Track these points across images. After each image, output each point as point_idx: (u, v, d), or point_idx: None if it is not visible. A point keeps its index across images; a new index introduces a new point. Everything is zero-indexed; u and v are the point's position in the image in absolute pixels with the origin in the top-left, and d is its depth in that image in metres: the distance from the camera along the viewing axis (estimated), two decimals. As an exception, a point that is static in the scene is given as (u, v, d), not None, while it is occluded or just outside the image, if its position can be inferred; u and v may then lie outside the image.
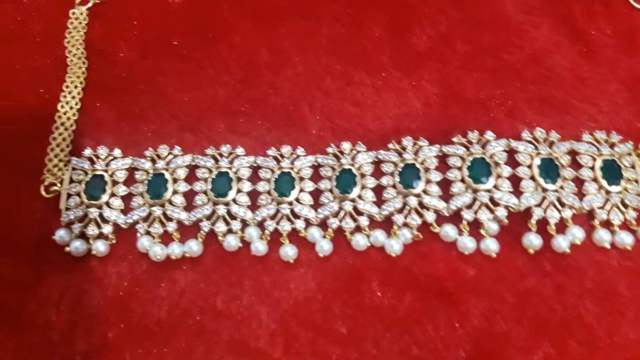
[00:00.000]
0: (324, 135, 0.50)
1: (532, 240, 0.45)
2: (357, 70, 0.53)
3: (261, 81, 0.53)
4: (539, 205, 0.45)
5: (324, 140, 0.50)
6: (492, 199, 0.46)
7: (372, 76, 0.52)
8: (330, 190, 0.47)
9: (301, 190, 0.47)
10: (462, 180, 0.46)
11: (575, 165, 0.47)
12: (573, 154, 0.47)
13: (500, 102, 0.50)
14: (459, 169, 0.47)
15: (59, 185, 0.49)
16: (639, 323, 0.43)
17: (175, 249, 0.46)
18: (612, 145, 0.47)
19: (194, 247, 0.47)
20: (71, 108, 0.52)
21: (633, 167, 0.46)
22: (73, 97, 0.52)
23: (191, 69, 0.53)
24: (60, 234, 0.47)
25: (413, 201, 0.46)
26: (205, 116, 0.51)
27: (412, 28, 0.54)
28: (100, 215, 0.48)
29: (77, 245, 0.47)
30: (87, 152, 0.50)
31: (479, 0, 0.55)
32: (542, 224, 0.45)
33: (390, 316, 0.45)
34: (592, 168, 0.46)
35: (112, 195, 0.48)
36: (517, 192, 0.46)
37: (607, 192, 0.46)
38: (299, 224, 0.47)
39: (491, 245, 0.45)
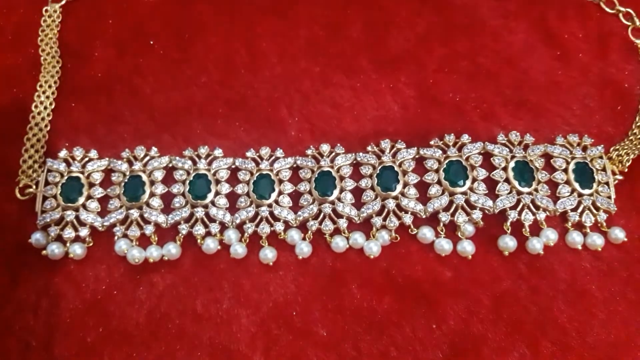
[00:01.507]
0: (302, 137, 0.50)
1: (507, 243, 0.45)
2: (335, 73, 0.53)
3: (239, 82, 0.52)
4: (513, 207, 0.46)
5: (303, 142, 0.50)
6: (468, 202, 0.46)
7: (350, 78, 0.52)
8: (310, 193, 0.47)
9: (280, 193, 0.47)
10: (439, 183, 0.47)
11: (549, 168, 0.48)
12: (547, 157, 0.48)
13: (476, 105, 0.51)
14: (436, 171, 0.47)
15: (34, 187, 0.48)
16: (610, 323, 0.44)
17: (154, 252, 0.46)
18: (584, 149, 0.48)
19: (172, 250, 0.46)
20: (45, 108, 0.51)
21: (604, 170, 0.47)
22: (47, 97, 0.51)
23: (168, 69, 0.53)
24: (37, 237, 0.47)
25: (391, 203, 0.46)
26: (183, 117, 0.51)
27: (390, 31, 0.54)
28: (77, 218, 0.47)
29: (54, 249, 0.46)
30: (63, 153, 0.49)
31: (456, 4, 0.55)
32: (517, 226, 0.46)
33: (369, 318, 0.45)
34: (566, 171, 0.47)
35: (89, 197, 0.48)
36: (493, 194, 0.46)
37: (580, 195, 0.47)
38: (279, 227, 0.47)
39: (467, 247, 0.45)
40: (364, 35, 0.54)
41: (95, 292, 0.46)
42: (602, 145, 0.48)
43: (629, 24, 0.54)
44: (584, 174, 0.47)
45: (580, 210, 0.47)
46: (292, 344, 0.44)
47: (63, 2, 0.56)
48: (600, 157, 0.48)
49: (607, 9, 0.55)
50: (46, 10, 0.55)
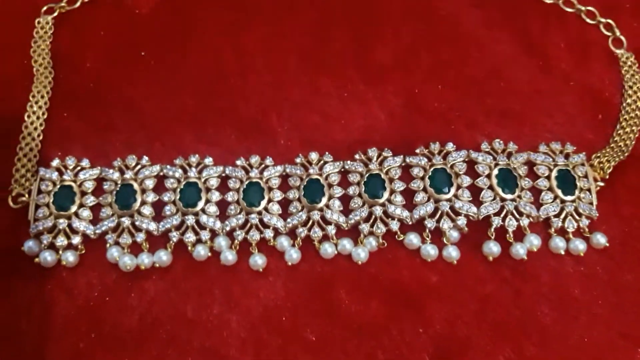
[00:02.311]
0: (291, 145, 0.51)
1: (492, 248, 0.46)
2: (323, 82, 0.54)
3: (229, 91, 0.53)
4: (497, 214, 0.47)
5: (292, 150, 0.50)
6: (452, 208, 0.47)
7: (338, 88, 0.53)
8: (299, 200, 0.48)
9: (270, 200, 0.48)
10: (425, 190, 0.48)
11: (532, 175, 0.49)
12: (530, 164, 0.49)
13: (461, 114, 0.52)
14: (422, 179, 0.48)
15: (26, 196, 0.48)
16: (592, 326, 0.45)
17: (145, 259, 0.47)
18: (566, 156, 0.49)
19: (163, 257, 0.47)
20: (38, 118, 0.51)
21: (586, 177, 0.48)
22: (40, 107, 0.52)
23: (159, 78, 0.54)
24: (29, 245, 0.47)
25: (378, 210, 0.47)
26: (174, 126, 0.52)
27: (377, 41, 0.55)
28: (69, 226, 0.48)
29: (46, 256, 0.47)
30: (55, 162, 0.49)
31: (441, 15, 0.56)
32: (501, 232, 0.47)
33: (357, 322, 0.46)
34: (548, 178, 0.48)
35: (81, 205, 0.48)
36: (477, 201, 0.47)
37: (562, 201, 0.48)
38: (268, 234, 0.47)
39: (452, 253, 0.46)
40: (352, 46, 0.55)
41: (87, 298, 0.47)
42: (584, 153, 0.49)
43: (609, 34, 0.55)
44: (566, 181, 0.48)
45: (562, 216, 0.47)
46: (281, 348, 0.45)
47: (55, 14, 0.56)
48: (582, 165, 0.49)
49: (588, 20, 0.56)
50: (38, 22, 0.55)
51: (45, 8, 0.56)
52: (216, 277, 0.47)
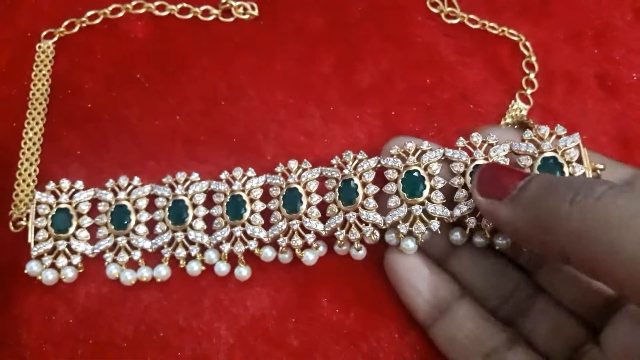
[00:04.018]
0: (277, 162, 0.51)
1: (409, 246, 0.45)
2: (307, 104, 0.55)
3: (219, 112, 0.55)
4: (473, 214, 0.45)
5: (277, 166, 0.52)
6: (425, 212, 0.45)
7: (321, 109, 0.55)
8: (279, 210, 0.47)
9: (252, 212, 0.48)
10: (397, 194, 0.45)
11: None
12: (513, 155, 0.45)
13: (435, 134, 0.53)
14: (395, 181, 0.46)
15: (24, 220, 0.50)
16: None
17: (145, 273, 0.49)
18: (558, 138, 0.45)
19: (162, 271, 0.49)
20: (34, 143, 0.53)
21: (580, 160, 0.44)
22: (40, 129, 0.53)
23: (153, 100, 0.55)
24: (31, 267, 0.48)
25: (352, 217, 0.46)
26: (167, 144, 0.53)
27: (357, 67, 0.56)
28: (69, 247, 0.49)
29: (48, 274, 0.48)
30: (51, 185, 0.50)
31: (416, 42, 0.58)
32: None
33: (338, 329, 0.48)
34: (532, 168, 0.44)
35: (78, 227, 0.49)
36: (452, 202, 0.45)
37: None
38: (252, 245, 0.48)
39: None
40: (334, 71, 0.57)
41: (85, 307, 0.49)
42: (577, 133, 0.45)
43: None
44: (552, 170, 0.44)
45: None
46: (267, 354, 0.47)
47: (55, 39, 0.57)
48: (576, 147, 0.44)
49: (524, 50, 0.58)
50: (39, 47, 0.56)
51: (45, 33, 0.57)
52: (206, 288, 0.49)
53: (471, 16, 0.59)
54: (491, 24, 0.58)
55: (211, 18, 0.59)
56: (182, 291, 0.49)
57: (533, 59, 0.57)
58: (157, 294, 0.49)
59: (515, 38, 0.58)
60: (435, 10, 0.59)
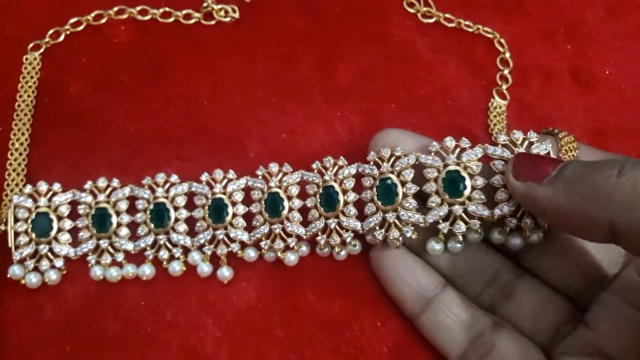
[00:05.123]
0: (260, 159, 0.53)
1: (434, 247, 0.47)
2: (289, 103, 0.56)
3: (203, 113, 0.56)
4: (446, 219, 0.45)
5: (261, 162, 0.52)
6: (399, 218, 0.46)
7: (302, 108, 0.56)
8: (260, 213, 0.48)
9: (234, 215, 0.48)
10: (373, 201, 0.46)
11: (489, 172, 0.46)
12: (486, 159, 0.46)
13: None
14: (370, 188, 0.46)
15: (2, 225, 0.49)
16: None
17: (130, 270, 0.49)
18: (530, 145, 0.46)
19: (147, 270, 0.49)
20: (25, 149, 0.53)
21: None
22: (26, 139, 0.54)
23: (138, 102, 0.56)
24: (14, 270, 0.48)
25: (333, 223, 0.47)
26: (151, 145, 0.54)
27: (337, 66, 0.58)
28: (51, 250, 0.49)
29: (32, 278, 0.48)
30: (28, 189, 0.49)
31: (394, 41, 0.59)
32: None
33: (322, 320, 0.49)
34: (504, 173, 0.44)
35: (59, 230, 0.49)
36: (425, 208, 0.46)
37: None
38: (235, 247, 0.48)
39: None
40: (315, 70, 0.58)
41: (73, 305, 0.49)
42: (567, 132, 0.46)
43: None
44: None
45: (519, 214, 0.45)
46: (254, 346, 0.48)
47: (42, 50, 0.58)
48: (546, 149, 0.45)
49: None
50: (26, 59, 0.57)
51: (31, 45, 0.57)
52: (192, 284, 0.50)
53: (447, 15, 0.60)
54: (466, 22, 0.60)
55: (193, 21, 0.60)
56: (168, 287, 0.50)
57: (507, 55, 0.59)
58: (143, 290, 0.50)
59: (490, 35, 0.59)
60: (412, 11, 0.61)
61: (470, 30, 0.60)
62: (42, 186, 0.50)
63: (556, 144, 0.46)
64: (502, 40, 0.59)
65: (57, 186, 0.50)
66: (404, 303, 0.47)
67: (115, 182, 0.50)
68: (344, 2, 0.61)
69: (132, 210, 0.50)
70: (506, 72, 0.58)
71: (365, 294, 0.50)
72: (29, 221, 0.48)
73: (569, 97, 0.58)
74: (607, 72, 0.59)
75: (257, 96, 0.57)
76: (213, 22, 0.60)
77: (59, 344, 0.48)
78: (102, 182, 0.50)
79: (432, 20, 0.60)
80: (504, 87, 0.57)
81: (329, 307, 0.50)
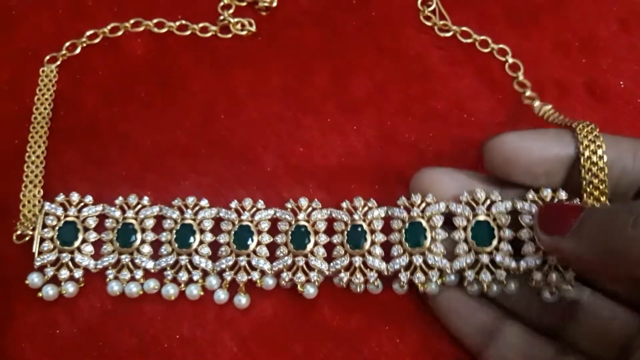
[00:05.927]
0: (277, 172, 0.54)
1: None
2: (305, 116, 0.56)
3: (219, 126, 0.56)
4: (472, 267, 0.46)
5: (277, 176, 0.53)
6: (425, 262, 0.47)
7: (318, 121, 0.56)
8: (285, 245, 0.48)
9: (258, 243, 0.49)
10: (401, 243, 0.47)
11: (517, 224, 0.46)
12: (515, 213, 0.47)
13: (429, 144, 0.54)
14: (399, 231, 0.47)
15: (30, 230, 0.50)
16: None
17: (152, 284, 0.49)
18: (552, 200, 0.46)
19: (170, 290, 0.49)
20: (37, 157, 0.53)
21: None
22: (43, 152, 0.54)
23: (153, 115, 0.56)
24: (32, 278, 0.48)
25: (358, 262, 0.48)
26: (167, 157, 0.54)
27: (353, 79, 0.58)
28: (72, 260, 0.49)
29: (48, 290, 0.48)
30: (60, 197, 0.50)
31: (410, 54, 0.59)
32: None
33: (340, 335, 0.49)
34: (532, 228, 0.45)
35: (84, 241, 0.49)
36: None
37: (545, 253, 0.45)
38: (255, 276, 0.48)
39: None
40: (330, 83, 0.58)
41: (88, 320, 0.49)
42: (586, 122, 0.46)
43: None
44: None
45: (545, 268, 0.45)
46: None
47: (59, 62, 0.58)
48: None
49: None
50: (43, 71, 0.57)
51: (48, 57, 0.58)
52: (209, 300, 0.49)
53: (464, 28, 0.60)
54: (482, 37, 0.60)
55: (209, 34, 0.60)
56: (185, 303, 0.50)
57: (521, 78, 0.58)
58: (159, 306, 0.50)
59: (502, 59, 0.59)
60: (428, 24, 0.61)
61: (485, 51, 0.59)
62: (74, 196, 0.51)
63: (576, 140, 0.46)
64: (518, 62, 0.58)
65: (89, 198, 0.51)
66: (465, 340, 0.47)
67: (146, 200, 0.51)
68: (360, 16, 0.61)
69: (157, 229, 0.50)
70: (528, 93, 0.56)
71: (383, 309, 0.50)
72: (56, 229, 0.49)
73: (585, 111, 0.57)
74: (622, 84, 0.59)
75: (273, 109, 0.57)
76: (230, 36, 0.60)
77: (75, 358, 0.48)
78: (132, 199, 0.51)
79: (449, 34, 0.60)
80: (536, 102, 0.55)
81: (346, 323, 0.49)
